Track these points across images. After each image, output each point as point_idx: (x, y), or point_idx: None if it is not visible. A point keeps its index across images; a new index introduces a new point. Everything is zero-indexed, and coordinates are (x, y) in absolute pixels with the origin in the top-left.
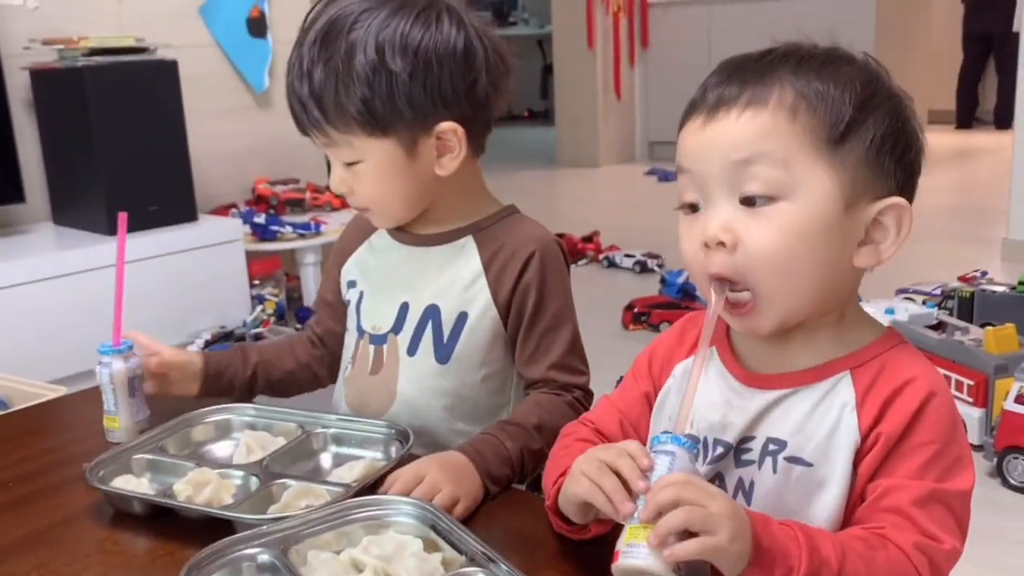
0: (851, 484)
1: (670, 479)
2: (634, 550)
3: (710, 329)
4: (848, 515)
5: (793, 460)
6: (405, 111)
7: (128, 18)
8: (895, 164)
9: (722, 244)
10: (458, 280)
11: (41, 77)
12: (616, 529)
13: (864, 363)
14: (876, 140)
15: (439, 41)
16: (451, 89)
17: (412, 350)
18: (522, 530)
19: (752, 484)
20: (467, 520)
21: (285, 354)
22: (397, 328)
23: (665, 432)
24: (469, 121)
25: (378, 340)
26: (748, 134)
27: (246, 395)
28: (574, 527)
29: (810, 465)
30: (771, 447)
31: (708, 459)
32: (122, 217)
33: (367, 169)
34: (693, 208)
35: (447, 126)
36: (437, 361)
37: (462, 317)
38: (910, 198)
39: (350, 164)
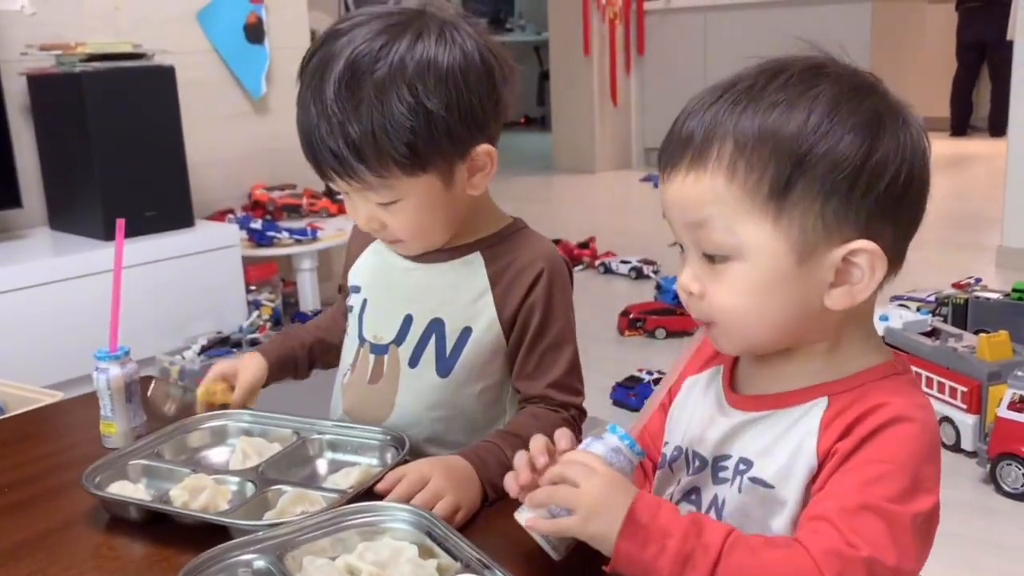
0: (804, 505)
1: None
2: (524, 508)
3: (689, 352)
4: None
5: (756, 481)
6: (445, 145)
7: (125, 24)
8: (859, 201)
9: (692, 293)
10: (464, 295)
11: (38, 82)
12: None
13: (847, 390)
14: (828, 184)
15: (463, 65)
16: (482, 112)
17: (414, 362)
18: (518, 537)
19: (724, 501)
20: (463, 526)
21: (333, 328)
22: (399, 339)
23: (613, 424)
24: (495, 137)
25: (379, 350)
26: (692, 199)
27: (304, 374)
28: None
29: (771, 487)
30: (741, 467)
31: (689, 471)
32: (120, 223)
33: (407, 206)
34: (681, 247)
35: (482, 149)
36: (438, 374)
37: (466, 332)
38: (896, 229)
39: (387, 203)
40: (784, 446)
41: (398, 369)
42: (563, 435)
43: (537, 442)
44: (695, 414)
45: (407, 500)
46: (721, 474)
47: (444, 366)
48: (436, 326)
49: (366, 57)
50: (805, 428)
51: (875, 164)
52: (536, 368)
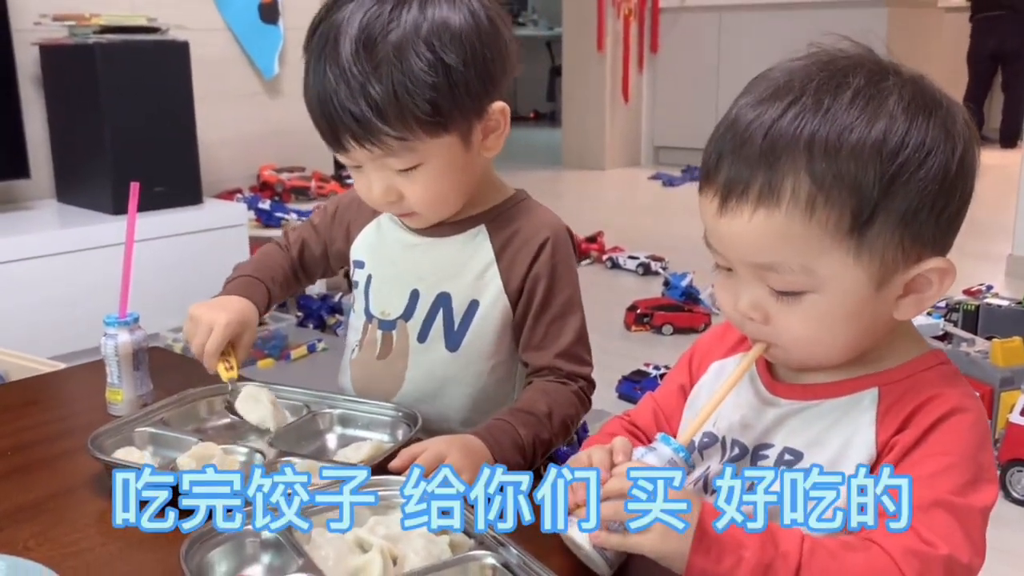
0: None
1: (622, 469)
2: (574, 521)
3: (742, 370)
4: None
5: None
6: (465, 101)
7: None
8: (935, 222)
9: (752, 319)
10: (470, 268)
11: (51, 53)
12: None
13: (896, 381)
14: (909, 214)
15: (472, 23)
16: (494, 67)
17: (422, 337)
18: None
19: None
20: None
21: (275, 270)
22: (407, 315)
23: (664, 435)
24: (505, 95)
25: (387, 325)
26: (764, 240)
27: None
28: None
29: None
30: (787, 457)
31: (725, 458)
32: (134, 187)
33: (427, 171)
34: (728, 268)
35: (497, 106)
36: (447, 349)
37: (473, 305)
38: (954, 234)
39: (406, 170)
40: (835, 436)
41: (407, 344)
42: (620, 448)
43: (599, 457)
44: (729, 400)
45: None
46: (761, 463)
47: (453, 340)
48: (443, 300)
49: (379, 19)
50: (858, 418)
51: (950, 183)
52: (544, 338)
